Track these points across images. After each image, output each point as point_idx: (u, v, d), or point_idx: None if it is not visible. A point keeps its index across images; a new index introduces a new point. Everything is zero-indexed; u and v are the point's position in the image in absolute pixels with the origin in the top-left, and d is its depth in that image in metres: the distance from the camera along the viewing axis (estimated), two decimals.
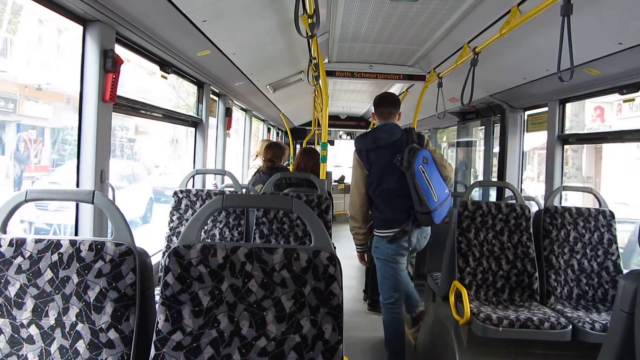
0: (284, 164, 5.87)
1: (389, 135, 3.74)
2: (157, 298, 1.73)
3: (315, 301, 1.67)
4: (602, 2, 2.73)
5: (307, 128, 13.30)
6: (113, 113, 3.11)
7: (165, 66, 4.04)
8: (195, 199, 3.92)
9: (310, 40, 4.06)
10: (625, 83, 3.64)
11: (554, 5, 2.64)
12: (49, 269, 1.77)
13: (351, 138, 14.69)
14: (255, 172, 5.42)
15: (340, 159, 19.25)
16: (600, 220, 3.72)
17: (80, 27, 2.85)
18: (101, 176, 2.94)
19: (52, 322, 1.74)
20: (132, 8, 2.88)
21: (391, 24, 4.36)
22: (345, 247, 6.33)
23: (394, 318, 3.82)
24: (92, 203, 1.84)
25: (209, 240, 3.84)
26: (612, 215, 3.74)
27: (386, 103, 3.90)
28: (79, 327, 1.73)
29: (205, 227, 3.87)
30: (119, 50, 3.15)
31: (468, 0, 3.50)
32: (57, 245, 1.79)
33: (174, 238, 3.84)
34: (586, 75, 3.66)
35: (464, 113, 7.23)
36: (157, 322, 1.65)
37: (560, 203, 4.54)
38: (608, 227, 3.72)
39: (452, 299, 3.42)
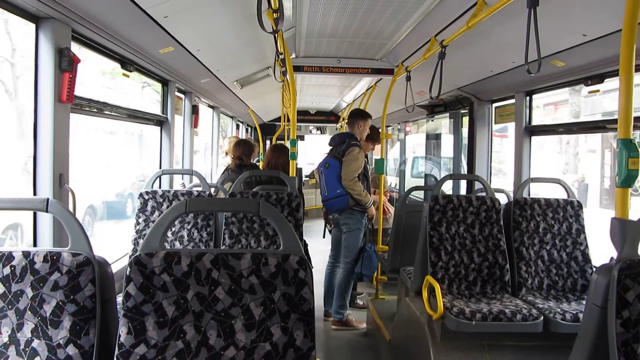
0: (254, 161, 5.79)
1: (335, 140, 5.31)
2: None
3: (286, 307, 1.61)
4: None
5: (276, 124, 13.19)
6: (72, 113, 2.98)
7: (127, 64, 3.90)
8: (161, 200, 3.81)
9: (276, 35, 3.98)
10: (590, 74, 3.67)
11: None
12: (0, 283, 1.66)
13: (321, 133, 14.63)
14: (224, 170, 5.33)
15: (312, 155, 16.42)
16: (568, 211, 3.76)
17: (33, 25, 2.71)
18: (60, 180, 2.81)
19: (6, 339, 1.64)
20: (87, 4, 2.75)
21: (358, 18, 4.32)
22: (317, 242, 6.31)
23: (329, 268, 5.52)
24: (47, 211, 1.74)
25: (177, 243, 3.74)
26: (579, 205, 3.78)
27: (350, 117, 5.52)
28: (35, 343, 1.64)
29: (173, 229, 3.77)
30: (76, 48, 3.02)
31: None
32: (9, 257, 1.68)
33: (141, 241, 3.72)
34: (552, 66, 3.69)
35: (433, 106, 7.26)
36: (119, 335, 1.57)
37: (529, 194, 4.58)
38: (576, 217, 3.76)
39: (425, 293, 3.41)
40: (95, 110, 3.62)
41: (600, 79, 3.64)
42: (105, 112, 3.84)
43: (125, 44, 3.52)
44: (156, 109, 5.08)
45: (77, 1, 2.66)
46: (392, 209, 6.48)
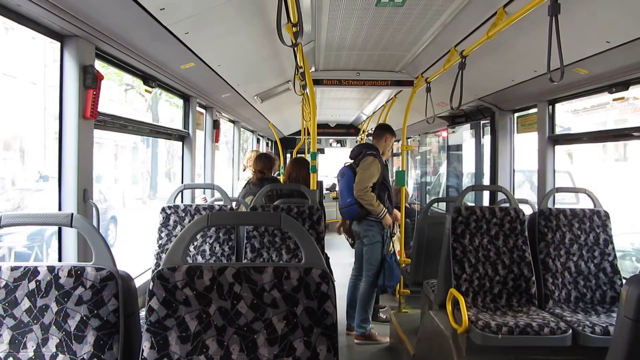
0: (275, 174, 5.81)
1: (354, 152, 5.48)
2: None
3: (308, 321, 1.60)
4: (589, 0, 2.70)
5: (296, 137, 13.23)
6: (95, 130, 3.03)
7: (149, 80, 3.96)
8: (183, 214, 3.83)
9: (295, 49, 4.01)
10: (614, 82, 3.61)
11: (540, 5, 2.60)
12: (26, 298, 1.68)
13: (341, 146, 14.62)
14: (246, 184, 5.36)
15: (330, 168, 15.04)
16: (595, 221, 3.68)
17: (58, 43, 2.77)
18: (84, 196, 2.86)
19: (31, 354, 1.65)
20: (111, 22, 2.81)
21: (377, 31, 4.32)
22: (338, 255, 6.28)
23: (352, 281, 5.58)
24: (71, 226, 1.76)
25: (199, 257, 3.75)
26: (607, 215, 3.69)
27: (379, 129, 5.72)
28: (60, 358, 1.65)
29: (195, 243, 3.79)
30: (99, 65, 3.08)
31: (454, 4, 3.46)
32: (34, 272, 1.70)
33: (163, 255, 3.74)
34: (574, 75, 3.63)
35: (454, 117, 7.20)
36: (143, 350, 1.57)
37: (554, 204, 4.50)
38: (603, 227, 3.67)
39: (449, 307, 3.35)
40: (118, 126, 3.67)
41: (625, 86, 3.58)
42: (129, 128, 3.90)
43: (148, 60, 3.58)
44: (144, 116, 5.08)
45: (101, 20, 2.72)
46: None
